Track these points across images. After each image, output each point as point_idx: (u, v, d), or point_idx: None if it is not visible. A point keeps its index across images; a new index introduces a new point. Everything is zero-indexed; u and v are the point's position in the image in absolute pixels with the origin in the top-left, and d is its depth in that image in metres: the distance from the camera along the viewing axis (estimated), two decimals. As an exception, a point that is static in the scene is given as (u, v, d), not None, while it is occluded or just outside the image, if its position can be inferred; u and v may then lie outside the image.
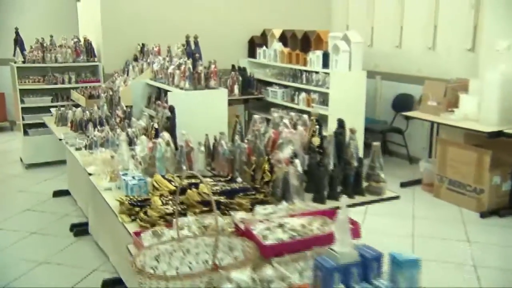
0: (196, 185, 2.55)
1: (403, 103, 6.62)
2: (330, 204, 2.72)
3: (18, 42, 6.45)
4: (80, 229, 4.43)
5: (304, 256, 1.86)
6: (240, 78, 6.65)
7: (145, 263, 1.82)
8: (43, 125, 5.67)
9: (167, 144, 3.14)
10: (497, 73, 4.79)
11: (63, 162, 5.70)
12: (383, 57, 7.00)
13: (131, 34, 6.45)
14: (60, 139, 4.37)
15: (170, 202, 2.48)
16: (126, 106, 4.58)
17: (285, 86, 6.66)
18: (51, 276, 3.74)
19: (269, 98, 6.81)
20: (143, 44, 6.24)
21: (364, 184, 2.92)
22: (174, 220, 2.17)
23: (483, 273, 3.74)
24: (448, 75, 5.83)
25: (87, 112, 4.71)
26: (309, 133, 3.10)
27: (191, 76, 4.37)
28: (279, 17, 7.39)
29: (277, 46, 6.78)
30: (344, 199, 1.99)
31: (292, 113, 3.51)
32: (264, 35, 7.36)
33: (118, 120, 4.36)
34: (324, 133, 3.06)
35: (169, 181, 2.77)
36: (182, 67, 4.44)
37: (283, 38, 6.95)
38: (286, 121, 3.25)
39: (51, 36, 6.67)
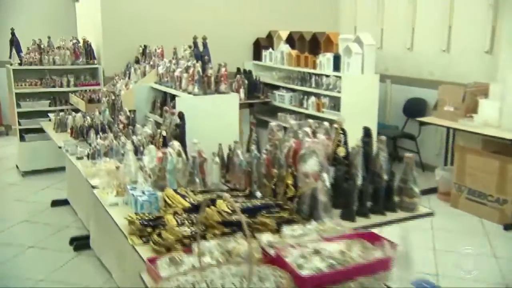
0: (213, 201, 2.29)
1: (415, 107, 6.40)
2: (360, 222, 2.48)
3: (14, 43, 6.22)
4: (80, 243, 4.16)
5: (347, 289, 1.62)
6: (246, 82, 6.38)
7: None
8: (40, 130, 5.39)
9: (178, 154, 2.89)
10: (520, 76, 4.57)
11: (61, 169, 5.40)
12: (393, 59, 6.75)
13: (133, 35, 6.17)
14: (60, 147, 4.11)
15: (186, 221, 2.22)
16: (130, 111, 4.30)
17: (293, 90, 6.40)
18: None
19: (276, 102, 6.55)
20: (145, 46, 5.95)
21: (396, 199, 2.68)
22: (193, 244, 1.93)
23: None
24: (463, 79, 5.59)
25: (88, 117, 4.45)
26: (333, 143, 2.84)
27: (200, 80, 4.08)
28: (285, 18, 7.14)
29: (284, 48, 6.53)
30: (404, 228, 1.73)
31: (311, 120, 3.26)
32: (269, 36, 7.10)
33: (121, 126, 4.10)
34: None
35: (183, 196, 2.52)
36: (191, 70, 4.16)
37: (289, 40, 6.70)
38: (307, 129, 2.99)
39: (49, 37, 6.40)
